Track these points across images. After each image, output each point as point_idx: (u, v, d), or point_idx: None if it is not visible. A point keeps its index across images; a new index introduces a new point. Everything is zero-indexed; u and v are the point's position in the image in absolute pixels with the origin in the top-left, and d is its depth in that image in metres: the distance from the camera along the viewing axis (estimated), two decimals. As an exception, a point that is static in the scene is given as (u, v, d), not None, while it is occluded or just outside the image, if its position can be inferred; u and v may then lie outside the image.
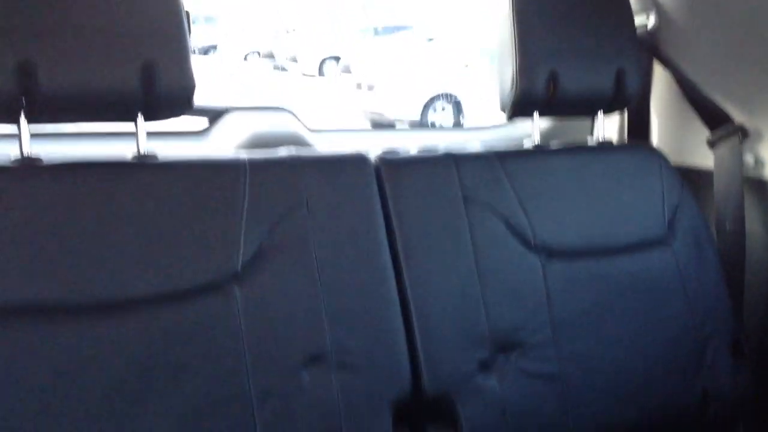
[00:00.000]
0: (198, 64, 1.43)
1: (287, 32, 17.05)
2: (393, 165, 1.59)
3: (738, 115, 1.90)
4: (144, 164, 1.39)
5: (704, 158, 1.98)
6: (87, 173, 1.35)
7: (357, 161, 1.56)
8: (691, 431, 1.72)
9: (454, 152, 1.65)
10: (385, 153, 1.62)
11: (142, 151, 1.41)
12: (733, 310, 1.82)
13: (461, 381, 1.51)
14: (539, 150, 1.77)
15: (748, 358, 1.83)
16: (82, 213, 1.31)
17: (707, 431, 1.73)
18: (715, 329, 1.76)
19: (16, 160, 1.35)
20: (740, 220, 1.90)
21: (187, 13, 1.41)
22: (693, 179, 1.93)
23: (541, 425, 1.56)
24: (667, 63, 2.03)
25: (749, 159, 1.92)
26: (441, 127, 9.18)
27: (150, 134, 1.43)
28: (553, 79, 1.68)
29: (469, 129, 3.73)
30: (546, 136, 2.26)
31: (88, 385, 1.24)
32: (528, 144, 1.79)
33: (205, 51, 17.60)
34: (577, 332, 1.62)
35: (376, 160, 1.59)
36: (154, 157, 1.42)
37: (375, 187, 1.54)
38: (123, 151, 1.43)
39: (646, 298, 1.70)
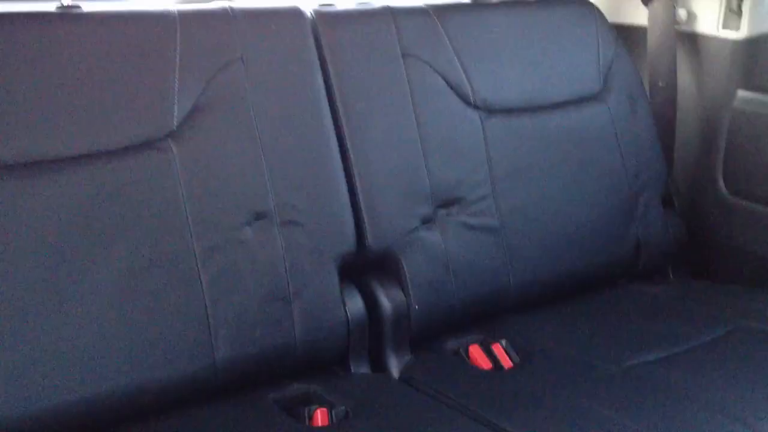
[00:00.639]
0: None
1: None
2: (330, 18, 1.54)
3: (671, -30, 1.90)
4: (68, 14, 1.31)
5: (638, 15, 1.98)
6: (8, 26, 1.26)
7: (292, 14, 1.50)
8: (625, 278, 1.79)
9: (391, 6, 1.60)
10: (321, 6, 1.56)
11: (65, 2, 1.32)
12: (664, 163, 1.87)
13: (404, 236, 1.52)
14: (477, 4, 1.74)
15: (677, 209, 1.89)
16: (6, 69, 1.23)
17: (639, 278, 1.80)
18: (648, 181, 1.80)
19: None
20: (672, 75, 1.92)
21: None
22: (628, 36, 1.93)
23: (483, 277, 1.59)
24: None
25: (682, 13, 1.93)
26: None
27: None
28: None
29: None
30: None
31: (26, 244, 1.19)
32: (466, -3, 1.76)
33: None
34: (516, 186, 1.63)
35: (312, 14, 1.53)
36: (77, 7, 1.33)
37: (312, 41, 1.49)
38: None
39: (582, 152, 1.72)
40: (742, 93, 1.85)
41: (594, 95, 1.76)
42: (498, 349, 1.50)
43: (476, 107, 1.61)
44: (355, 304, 1.47)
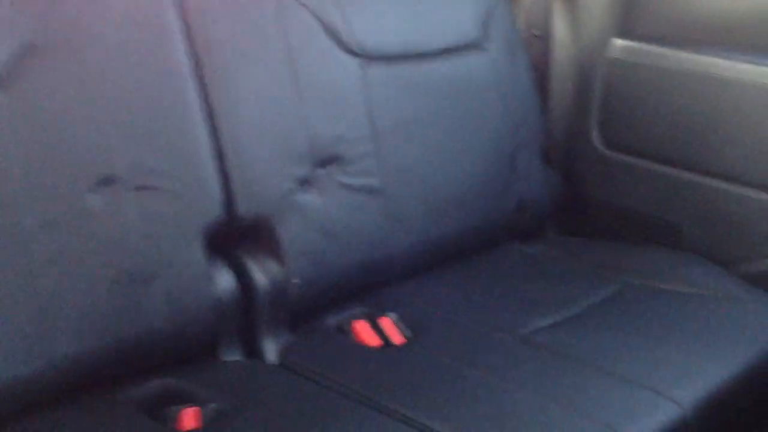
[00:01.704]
0: None
1: None
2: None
3: None
4: None
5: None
6: None
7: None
8: (506, 237, 1.69)
9: None
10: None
11: None
12: (543, 117, 1.78)
13: (279, 200, 1.32)
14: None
15: (555, 166, 1.82)
16: None
17: (520, 236, 1.71)
18: (528, 136, 1.71)
19: None
20: (548, 25, 1.83)
21: None
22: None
23: (367, 243, 1.43)
24: None
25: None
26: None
27: None
28: None
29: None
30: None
31: None
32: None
33: None
34: (398, 143, 1.48)
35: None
36: None
37: None
38: None
39: (465, 104, 1.59)
40: (617, 42, 1.79)
41: (474, 43, 1.63)
42: (387, 323, 1.36)
43: (356, 54, 1.43)
44: (226, 281, 1.27)
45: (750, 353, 1.30)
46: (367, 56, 1.45)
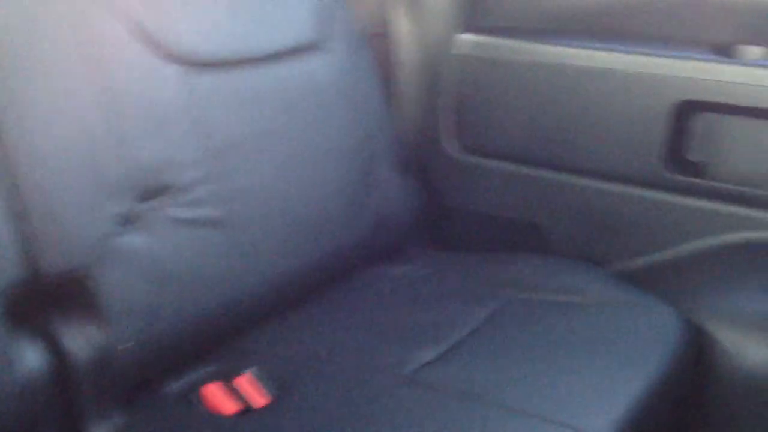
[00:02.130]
0: None
1: None
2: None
3: None
4: None
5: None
6: None
7: None
8: (368, 259, 1.50)
9: None
10: None
11: None
12: (392, 121, 1.61)
13: (95, 247, 1.05)
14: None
15: (412, 175, 1.65)
16: None
17: (382, 256, 1.53)
18: (381, 145, 1.53)
19: None
20: (387, 21, 1.66)
21: None
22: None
23: (208, 284, 1.18)
24: None
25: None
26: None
27: None
28: None
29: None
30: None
31: None
32: None
33: None
34: (238, 163, 1.25)
35: None
36: None
37: None
38: None
39: (309, 114, 1.38)
40: (464, 37, 1.65)
41: (314, 43, 1.42)
42: (244, 382, 1.12)
43: (177, 61, 1.18)
44: (34, 358, 0.99)
45: (659, 365, 1.19)
46: (191, 63, 1.20)
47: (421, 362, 1.18)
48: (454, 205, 1.70)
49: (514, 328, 1.28)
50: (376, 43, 1.65)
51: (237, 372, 1.13)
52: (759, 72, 1.38)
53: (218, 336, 1.20)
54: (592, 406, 1.08)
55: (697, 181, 1.46)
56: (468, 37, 1.64)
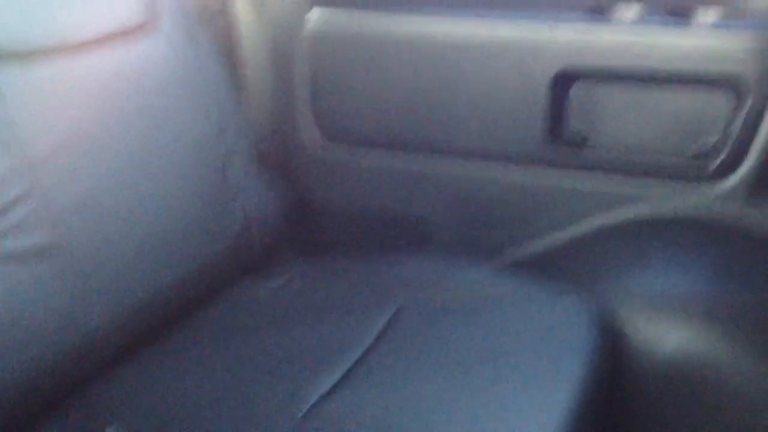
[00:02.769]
0: None
1: None
2: None
3: None
4: None
5: None
6: None
7: None
8: (237, 273, 1.29)
9: None
10: None
11: None
12: (244, 112, 1.40)
13: None
14: None
15: (275, 171, 1.45)
16: None
17: (252, 268, 1.32)
18: (236, 139, 1.31)
19: None
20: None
21: None
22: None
23: (43, 328, 0.94)
24: None
25: None
26: None
27: None
28: None
29: None
30: None
31: None
32: None
33: None
34: (67, 174, 1.00)
35: None
36: None
37: None
38: None
39: (144, 107, 1.14)
40: (316, 11, 1.46)
41: (142, 23, 1.19)
42: (103, 447, 0.89)
43: None
44: None
45: (582, 364, 1.06)
46: None
47: (315, 397, 0.98)
48: (325, 203, 1.52)
49: (413, 342, 1.11)
50: (217, 21, 1.44)
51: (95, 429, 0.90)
52: (635, 31, 1.29)
53: (65, 388, 0.96)
54: (519, 427, 0.93)
55: (585, 154, 1.37)
56: (320, 12, 1.46)
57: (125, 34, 1.16)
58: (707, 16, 1.32)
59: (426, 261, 1.35)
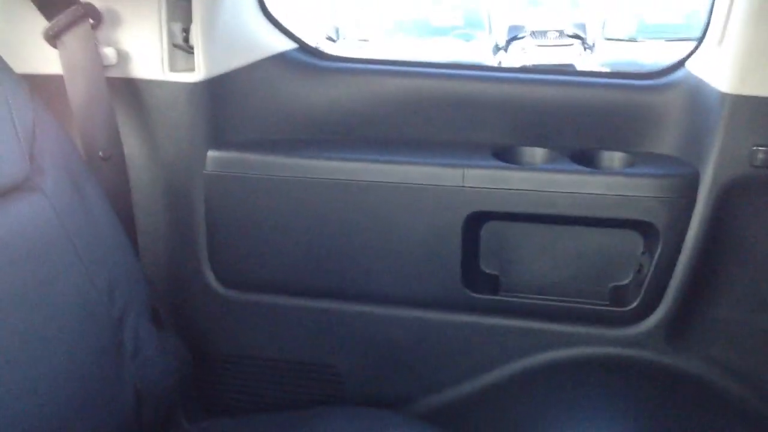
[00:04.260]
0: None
1: None
2: None
3: (87, -8, 1.33)
4: None
5: (51, 60, 1.35)
6: None
7: None
8: None
9: None
10: None
11: None
12: (140, 264, 1.29)
13: None
14: None
15: (171, 326, 1.33)
16: None
17: None
18: (129, 297, 1.20)
19: None
20: (116, 141, 1.35)
21: None
22: (48, 91, 1.29)
23: None
24: None
25: (110, 54, 1.36)
26: None
27: None
28: None
29: None
30: None
31: None
32: None
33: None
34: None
35: None
36: None
37: None
38: None
39: (26, 274, 1.02)
40: (212, 154, 1.39)
41: (22, 182, 1.08)
42: None
43: None
44: None
45: None
46: None
47: None
48: (229, 354, 1.41)
49: None
50: (104, 168, 1.33)
51: None
52: (541, 177, 1.29)
53: None
54: None
55: (499, 298, 1.33)
56: (218, 155, 1.38)
57: (6, 194, 1.04)
58: (612, 160, 1.34)
59: (335, 417, 1.26)
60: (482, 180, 1.29)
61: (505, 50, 9.22)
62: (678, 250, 1.25)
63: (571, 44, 8.90)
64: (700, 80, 1.31)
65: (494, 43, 9.24)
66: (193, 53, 1.36)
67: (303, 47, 1.50)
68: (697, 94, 1.31)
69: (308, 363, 1.39)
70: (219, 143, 1.38)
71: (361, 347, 1.37)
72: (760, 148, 1.20)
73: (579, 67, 8.29)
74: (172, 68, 1.37)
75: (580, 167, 1.29)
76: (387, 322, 1.36)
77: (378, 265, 1.34)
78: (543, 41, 9.02)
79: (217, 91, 1.37)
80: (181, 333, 1.33)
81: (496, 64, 8.34)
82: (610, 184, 1.26)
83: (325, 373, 1.39)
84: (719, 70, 1.24)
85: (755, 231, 1.27)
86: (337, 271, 1.35)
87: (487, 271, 1.35)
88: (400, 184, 1.31)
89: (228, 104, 1.40)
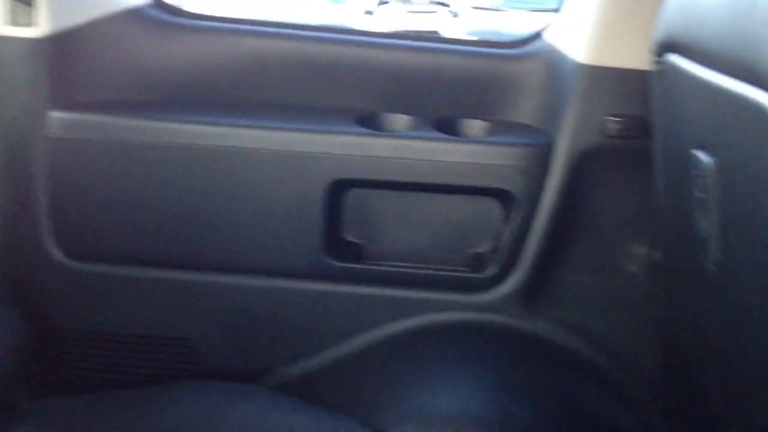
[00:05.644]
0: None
1: None
2: None
3: None
4: None
5: None
6: None
7: None
8: None
9: None
10: None
11: None
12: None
13: None
14: None
15: (13, 299, 1.24)
16: None
17: None
18: None
19: None
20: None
21: None
22: None
23: None
24: None
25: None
26: None
27: None
28: None
29: None
30: None
31: None
32: None
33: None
34: None
35: None
36: None
37: None
38: None
39: None
40: (54, 115, 1.29)
41: None
42: None
43: None
44: None
45: None
46: None
47: None
48: (77, 329, 1.33)
49: None
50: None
51: None
52: (404, 144, 1.28)
53: None
54: None
55: (361, 266, 1.32)
56: (63, 116, 1.29)
57: None
58: (473, 128, 1.35)
59: (193, 392, 1.22)
60: (345, 147, 1.27)
61: (373, 14, 9.21)
62: (533, 218, 1.28)
63: (437, 11, 8.99)
64: (557, 50, 1.33)
65: (364, 7, 9.22)
66: (33, 6, 1.26)
67: (158, 2, 1.42)
68: (553, 64, 1.34)
69: (162, 337, 1.34)
70: (64, 104, 1.29)
71: (218, 319, 1.33)
72: (612, 118, 1.23)
73: (444, 35, 8.40)
74: (11, 22, 1.26)
75: (442, 135, 1.29)
76: (246, 292, 1.32)
77: (236, 234, 1.30)
78: (410, 7, 9.06)
79: (62, 47, 1.28)
80: (22, 307, 1.24)
81: (363, 29, 8.31)
82: (470, 153, 1.27)
83: (180, 347, 1.34)
84: (574, 41, 1.27)
85: (606, 199, 1.32)
86: (193, 241, 1.30)
87: (350, 239, 1.34)
88: (259, 149, 1.27)
89: (74, 62, 1.30)
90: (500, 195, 1.29)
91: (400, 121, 1.35)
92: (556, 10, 1.39)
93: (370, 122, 1.33)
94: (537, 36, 1.43)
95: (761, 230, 0.71)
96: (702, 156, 0.83)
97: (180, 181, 1.28)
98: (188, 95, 1.36)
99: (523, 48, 1.41)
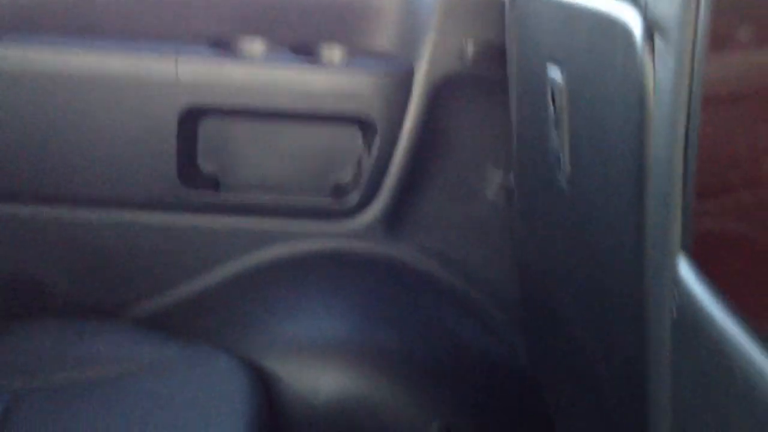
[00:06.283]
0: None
1: None
2: None
3: None
4: None
5: None
6: None
7: None
8: None
9: None
10: None
11: None
12: None
13: None
14: None
15: None
16: None
17: None
18: None
19: None
20: None
21: None
22: None
23: None
24: None
25: None
26: None
27: None
28: None
29: None
30: None
31: None
32: None
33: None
34: None
35: None
36: None
37: None
38: None
39: None
40: None
41: None
42: None
43: None
44: None
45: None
46: None
47: None
48: None
49: None
50: None
51: None
52: (261, 69, 1.24)
53: None
54: None
55: (218, 196, 1.28)
56: None
57: None
58: (332, 54, 1.31)
59: (41, 333, 1.16)
60: (197, 72, 1.22)
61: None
62: (394, 145, 1.27)
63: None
64: None
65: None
66: None
67: None
68: None
69: (8, 274, 1.25)
70: None
71: (66, 255, 1.26)
72: (469, 44, 1.23)
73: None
74: None
75: (299, 60, 1.25)
76: (96, 226, 1.25)
77: (83, 166, 1.22)
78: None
79: None
80: None
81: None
82: (329, 79, 1.24)
83: (26, 284, 1.26)
84: (432, -35, 1.25)
85: (465, 126, 1.33)
86: (36, 173, 1.22)
87: (207, 170, 1.29)
88: (105, 75, 1.20)
89: None
90: (360, 122, 1.28)
91: (256, 45, 1.30)
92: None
93: (224, 47, 1.27)
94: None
95: (607, 143, 0.72)
96: (553, 71, 0.84)
97: (16, 109, 1.19)
98: (25, 22, 1.26)
99: None
